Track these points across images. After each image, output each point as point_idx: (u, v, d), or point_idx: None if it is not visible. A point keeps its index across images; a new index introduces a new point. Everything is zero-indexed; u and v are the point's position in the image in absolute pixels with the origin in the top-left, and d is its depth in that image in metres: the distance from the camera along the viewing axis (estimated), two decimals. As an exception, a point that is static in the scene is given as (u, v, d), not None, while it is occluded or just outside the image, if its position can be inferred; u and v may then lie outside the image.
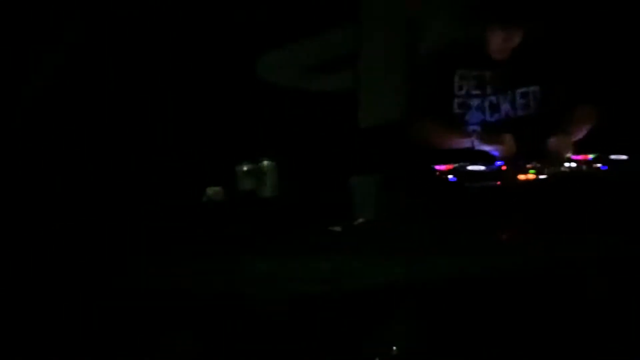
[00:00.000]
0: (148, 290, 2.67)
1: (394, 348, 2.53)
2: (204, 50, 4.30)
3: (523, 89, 3.74)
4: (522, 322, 2.76)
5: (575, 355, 2.72)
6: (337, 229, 2.84)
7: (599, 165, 3.23)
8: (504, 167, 3.22)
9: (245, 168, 3.20)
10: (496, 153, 3.53)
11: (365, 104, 4.25)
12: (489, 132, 3.64)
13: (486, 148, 3.57)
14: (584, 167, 3.24)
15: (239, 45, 4.32)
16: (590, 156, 3.30)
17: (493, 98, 3.75)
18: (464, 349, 2.67)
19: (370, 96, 4.26)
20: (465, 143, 3.61)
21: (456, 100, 3.76)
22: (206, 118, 4.28)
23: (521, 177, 3.15)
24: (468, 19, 3.84)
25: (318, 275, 2.69)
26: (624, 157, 3.26)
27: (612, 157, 3.26)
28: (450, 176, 3.18)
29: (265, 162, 3.21)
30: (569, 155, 3.44)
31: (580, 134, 3.61)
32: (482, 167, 3.22)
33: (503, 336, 2.72)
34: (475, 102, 3.74)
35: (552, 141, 3.51)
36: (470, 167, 3.23)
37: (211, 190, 3.11)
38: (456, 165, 3.23)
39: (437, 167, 3.24)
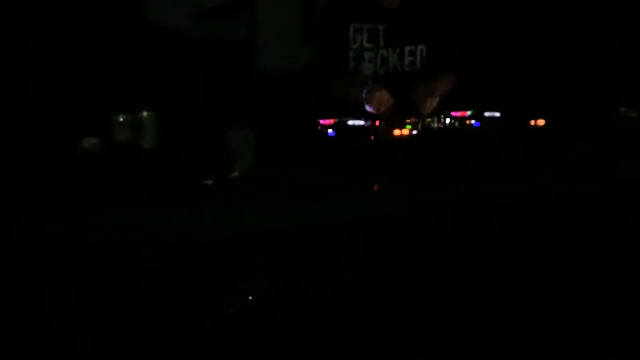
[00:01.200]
0: (23, 244, 2.67)
1: (250, 298, 2.63)
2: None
3: (411, 46, 3.84)
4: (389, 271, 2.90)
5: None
6: (209, 182, 2.90)
7: (472, 121, 3.37)
8: (377, 123, 3.31)
9: (121, 119, 3.15)
10: (369, 108, 3.61)
11: (261, 52, 4.29)
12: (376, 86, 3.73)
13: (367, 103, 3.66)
14: (457, 123, 3.37)
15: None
16: (468, 112, 3.43)
17: (384, 51, 3.84)
18: (323, 294, 2.79)
19: (264, 44, 4.30)
20: (361, 94, 3.66)
21: (351, 53, 3.85)
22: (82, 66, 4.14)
23: (396, 132, 3.27)
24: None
25: (186, 225, 2.76)
26: (497, 114, 3.40)
27: (486, 114, 3.40)
28: (329, 130, 3.28)
29: (145, 113, 3.17)
30: (432, 108, 3.52)
31: (440, 92, 3.67)
32: (360, 122, 3.32)
33: (366, 283, 2.84)
34: (367, 55, 3.84)
35: (418, 93, 3.59)
36: (349, 122, 3.32)
37: (87, 142, 3.09)
38: (337, 119, 3.33)
39: (322, 121, 3.34)
